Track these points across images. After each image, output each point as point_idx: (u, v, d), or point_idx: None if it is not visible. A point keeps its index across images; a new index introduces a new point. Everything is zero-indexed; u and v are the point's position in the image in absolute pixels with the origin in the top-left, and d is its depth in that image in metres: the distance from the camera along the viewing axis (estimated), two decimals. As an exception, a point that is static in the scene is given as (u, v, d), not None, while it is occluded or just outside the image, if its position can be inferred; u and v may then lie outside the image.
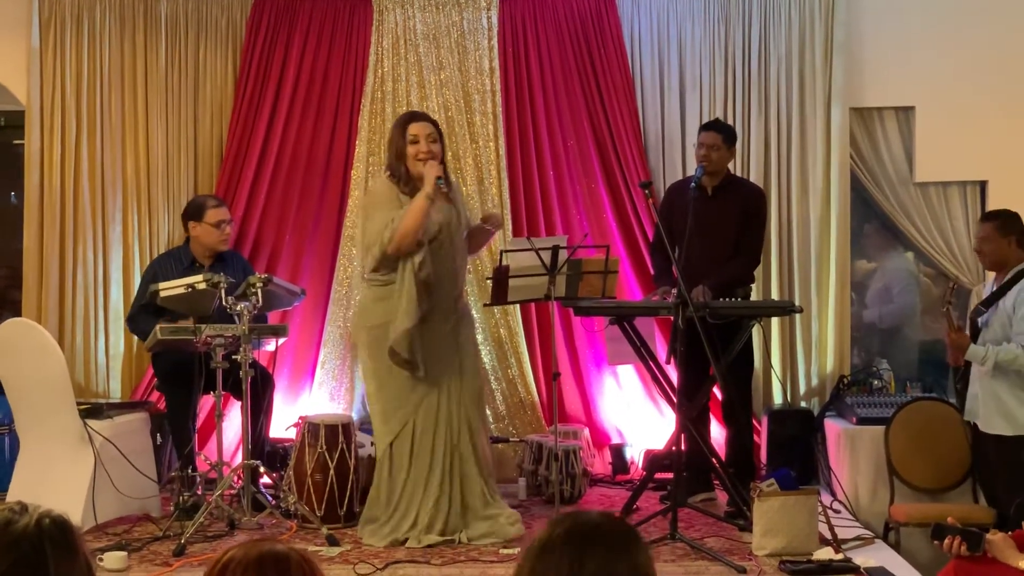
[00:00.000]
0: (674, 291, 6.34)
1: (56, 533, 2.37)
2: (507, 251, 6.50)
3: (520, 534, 6.20)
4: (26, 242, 7.97)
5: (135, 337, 7.74)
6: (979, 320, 6.46)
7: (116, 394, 7.97)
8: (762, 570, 5.62)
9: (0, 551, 2.29)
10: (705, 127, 7.18)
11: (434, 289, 6.11)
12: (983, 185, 8.18)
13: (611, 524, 2.40)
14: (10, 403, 6.61)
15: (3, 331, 6.49)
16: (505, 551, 5.95)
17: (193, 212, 7.21)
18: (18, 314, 7.68)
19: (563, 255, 6.29)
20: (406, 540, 6.09)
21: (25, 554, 2.30)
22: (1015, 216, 6.51)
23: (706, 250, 6.84)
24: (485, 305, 7.42)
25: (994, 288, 6.44)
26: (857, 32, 8.13)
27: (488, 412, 7.71)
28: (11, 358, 6.43)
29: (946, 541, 4.51)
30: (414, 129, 6.22)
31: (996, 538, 4.49)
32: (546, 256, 6.26)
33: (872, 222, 8.45)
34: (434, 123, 6.37)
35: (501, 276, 6.39)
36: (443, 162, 6.34)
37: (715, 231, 6.94)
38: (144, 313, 6.96)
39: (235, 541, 6.11)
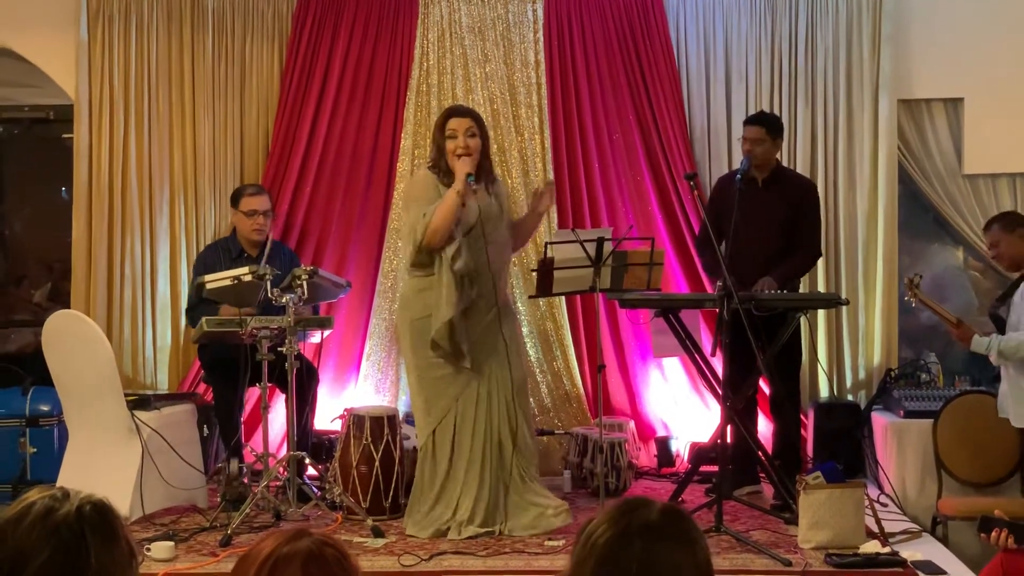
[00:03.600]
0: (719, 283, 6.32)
1: (97, 520, 2.38)
2: (552, 243, 6.50)
3: (567, 523, 6.20)
4: (75, 234, 8.02)
5: (182, 329, 7.82)
6: (1001, 314, 6.44)
7: (163, 386, 8.01)
8: (808, 563, 5.59)
9: (40, 540, 2.31)
10: (749, 121, 7.15)
11: (473, 281, 6.14)
12: (1033, 177, 8.13)
13: (676, 516, 2.38)
14: (59, 394, 6.65)
15: (52, 323, 6.54)
16: (550, 543, 5.95)
17: (232, 199, 7.37)
18: (67, 306, 7.74)
19: (608, 247, 6.28)
20: (448, 531, 6.10)
21: (65, 542, 2.32)
22: (1015, 213, 6.57)
23: (754, 242, 6.84)
24: (530, 297, 7.41)
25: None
26: (905, 23, 8.06)
27: (533, 404, 7.72)
28: (60, 350, 6.47)
29: (993, 534, 4.47)
30: (452, 124, 6.25)
31: (1043, 531, 4.45)
32: (591, 248, 6.24)
33: (920, 215, 8.39)
34: (476, 117, 6.39)
35: (546, 268, 6.39)
36: (487, 155, 6.35)
37: (764, 223, 6.92)
38: (202, 305, 7.01)
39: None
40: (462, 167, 6.10)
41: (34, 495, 2.40)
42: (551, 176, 7.91)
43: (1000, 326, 6.44)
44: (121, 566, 2.39)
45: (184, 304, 7.75)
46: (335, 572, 2.18)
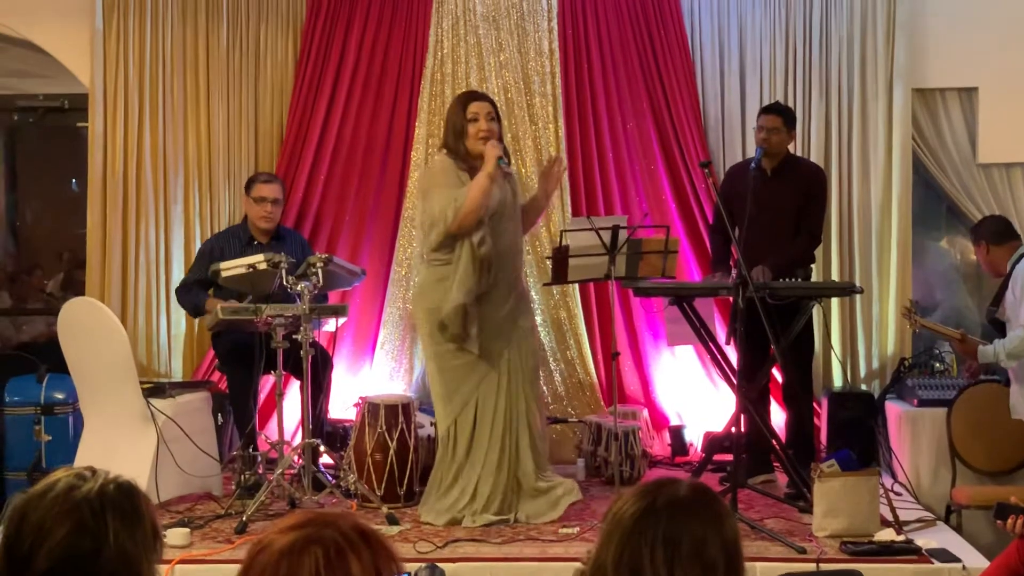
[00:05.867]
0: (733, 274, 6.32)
1: (121, 499, 2.38)
2: (567, 230, 6.50)
3: (578, 499, 6.28)
4: (89, 223, 8.04)
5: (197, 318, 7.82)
6: (1000, 318, 6.44)
7: (178, 374, 8.04)
8: (823, 550, 5.59)
9: (59, 517, 2.32)
10: (765, 110, 7.15)
11: (493, 266, 6.12)
12: (1047, 166, 8.13)
13: (703, 493, 2.39)
14: (74, 382, 6.68)
15: (68, 310, 6.55)
16: (564, 530, 5.96)
17: (246, 186, 7.41)
18: (81, 295, 7.76)
19: (623, 235, 6.27)
20: (463, 518, 6.12)
21: (84, 520, 2.32)
22: (978, 224, 6.87)
23: (766, 231, 6.84)
24: (544, 284, 7.40)
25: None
26: (919, 12, 8.05)
27: (546, 392, 7.74)
28: (76, 337, 6.49)
29: (1009, 520, 4.47)
30: (474, 108, 6.23)
31: (1059, 518, 4.45)
32: (606, 236, 6.24)
33: (935, 204, 8.39)
34: (492, 102, 6.39)
35: (561, 256, 6.39)
36: (501, 141, 6.34)
37: (775, 212, 6.92)
38: (196, 285, 7.05)
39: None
40: (492, 150, 6.08)
41: (60, 472, 2.41)
42: (565, 162, 7.93)
43: (1000, 330, 6.45)
44: (144, 548, 2.39)
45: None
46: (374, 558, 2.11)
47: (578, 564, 2.62)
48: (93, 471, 2.43)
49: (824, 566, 5.31)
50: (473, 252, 6.05)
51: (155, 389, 6.62)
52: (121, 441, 6.37)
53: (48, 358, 7.38)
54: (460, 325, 6.10)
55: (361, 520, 2.11)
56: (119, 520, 2.35)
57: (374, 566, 2.02)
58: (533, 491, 6.24)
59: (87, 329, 6.44)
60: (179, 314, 8.04)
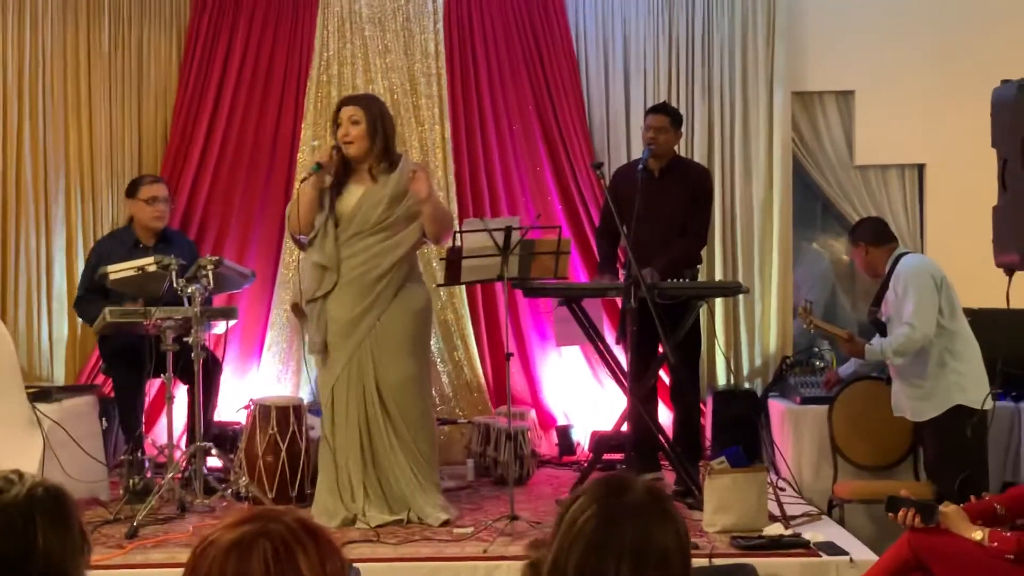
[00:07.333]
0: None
1: (49, 503, 2.36)
2: (460, 232, 6.51)
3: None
4: (-33, 227, 7.89)
5: (79, 320, 7.68)
6: (881, 318, 6.59)
7: (60, 378, 7.92)
8: (714, 546, 5.68)
9: None
10: (652, 110, 7.23)
11: (330, 272, 6.18)
12: (921, 168, 8.36)
13: (659, 498, 2.39)
14: (-44, 388, 6.54)
15: (-51, 314, 6.43)
16: (459, 531, 5.95)
17: (129, 190, 7.28)
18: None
19: (516, 236, 6.31)
20: (354, 519, 6.10)
21: (12, 523, 2.30)
22: (856, 226, 6.92)
23: (654, 232, 6.89)
24: (437, 285, 7.38)
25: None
26: (798, 17, 8.25)
27: (435, 394, 7.74)
28: (-42, 342, 6.36)
29: (900, 513, 4.60)
30: (341, 114, 6.29)
31: (949, 510, 4.59)
32: (499, 237, 6.27)
33: (812, 205, 8.56)
34: (364, 102, 6.37)
35: (454, 257, 6.39)
36: (382, 140, 6.28)
37: (662, 213, 6.99)
38: (90, 296, 6.94)
39: (186, 523, 6.13)
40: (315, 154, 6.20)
41: None
42: (451, 167, 7.99)
43: (881, 329, 6.60)
44: (71, 552, 2.38)
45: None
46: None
47: (520, 564, 2.60)
48: (20, 475, 2.40)
49: (716, 561, 5.39)
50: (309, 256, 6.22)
51: (40, 393, 6.50)
52: (6, 447, 6.23)
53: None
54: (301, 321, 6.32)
55: (304, 515, 2.12)
56: (48, 524, 2.33)
57: (319, 560, 2.03)
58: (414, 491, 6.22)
59: (-30, 334, 6.32)
60: (61, 318, 7.93)
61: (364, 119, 6.22)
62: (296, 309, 6.42)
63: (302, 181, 6.17)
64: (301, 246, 6.34)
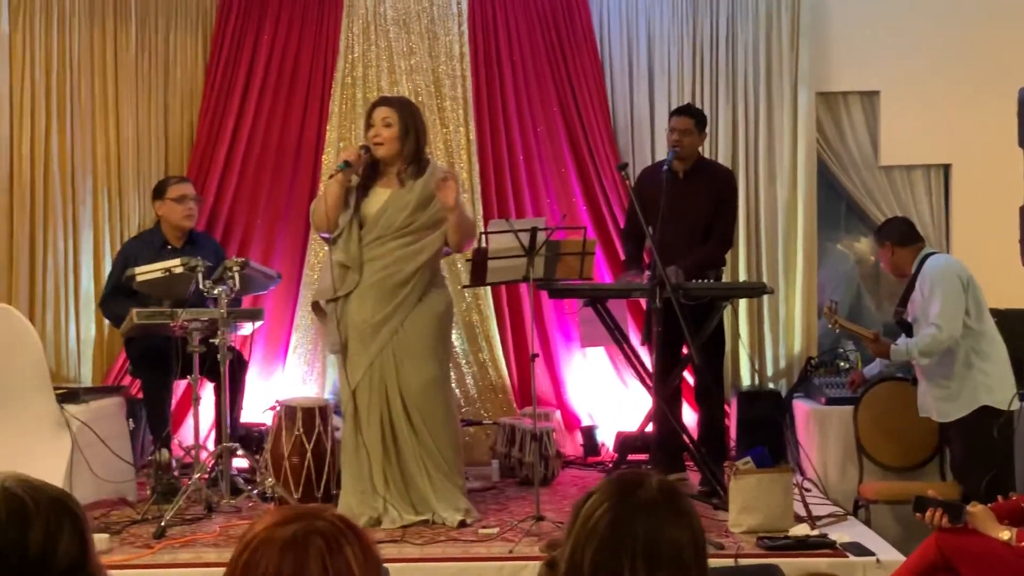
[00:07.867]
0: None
1: (11, 501, 2.34)
2: (486, 232, 6.51)
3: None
4: (-4, 228, 7.94)
5: (106, 322, 7.72)
6: (907, 319, 6.58)
7: (87, 379, 7.96)
8: (740, 546, 5.68)
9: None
10: (677, 112, 7.23)
11: (352, 272, 6.20)
12: (947, 168, 8.34)
13: (674, 493, 2.39)
14: (-14, 388, 6.58)
15: (-22, 316, 6.46)
16: (484, 531, 5.97)
17: (156, 191, 7.29)
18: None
19: (541, 237, 6.31)
20: (381, 518, 6.11)
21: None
22: (882, 226, 6.91)
23: (678, 233, 6.89)
24: (463, 287, 7.38)
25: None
26: (823, 18, 8.24)
27: (459, 395, 7.77)
28: (-13, 343, 6.40)
29: (927, 513, 4.60)
30: (373, 115, 6.28)
31: (977, 510, 4.59)
32: (524, 238, 6.27)
33: (836, 205, 8.55)
34: (398, 105, 6.37)
35: (480, 258, 6.40)
36: (415, 143, 6.29)
37: (687, 214, 6.99)
38: (117, 296, 6.97)
39: (213, 523, 6.15)
40: (342, 153, 6.25)
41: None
42: (476, 169, 8.00)
43: (907, 330, 6.59)
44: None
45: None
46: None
47: (539, 563, 2.61)
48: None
49: (742, 561, 5.38)
50: (331, 255, 6.22)
51: (69, 395, 6.53)
52: (35, 448, 6.28)
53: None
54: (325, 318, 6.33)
55: (339, 513, 2.15)
56: (10, 521, 2.30)
57: (363, 554, 2.06)
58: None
59: (-1, 335, 6.36)
60: (88, 319, 7.97)
61: (397, 122, 6.22)
62: (316, 308, 6.45)
63: (329, 178, 6.17)
64: (328, 241, 6.35)
